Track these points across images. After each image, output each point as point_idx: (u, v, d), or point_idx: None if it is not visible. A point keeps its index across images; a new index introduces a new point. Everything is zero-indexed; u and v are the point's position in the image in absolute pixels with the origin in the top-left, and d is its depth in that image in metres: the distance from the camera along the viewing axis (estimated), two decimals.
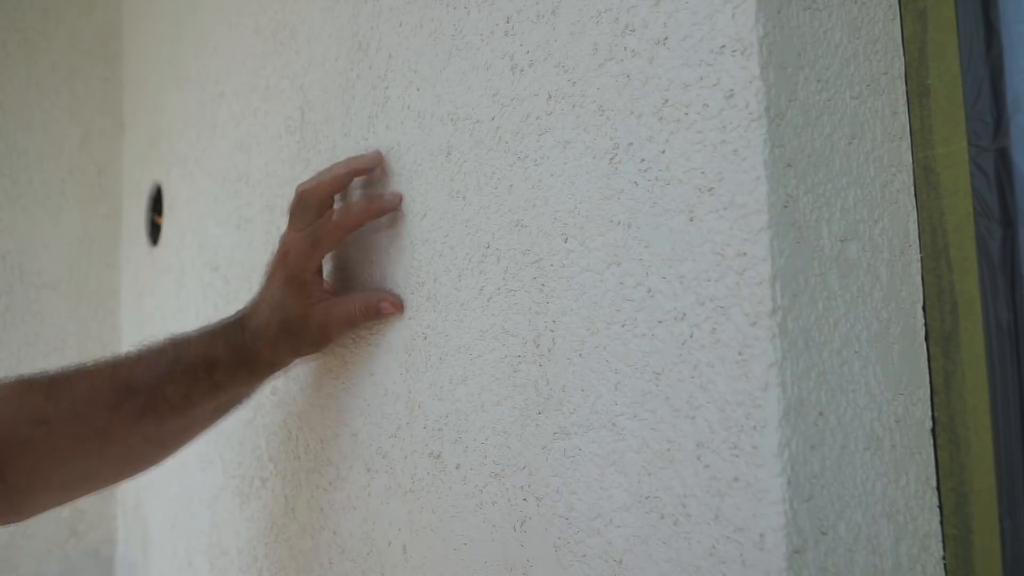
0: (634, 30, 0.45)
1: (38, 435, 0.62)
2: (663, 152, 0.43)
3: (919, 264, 0.43)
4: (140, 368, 0.65)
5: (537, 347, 0.50)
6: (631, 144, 0.44)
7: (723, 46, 0.40)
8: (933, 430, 0.42)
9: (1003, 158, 0.40)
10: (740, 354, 0.38)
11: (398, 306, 0.65)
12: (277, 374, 0.70)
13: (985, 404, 0.40)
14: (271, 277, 0.68)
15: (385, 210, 0.65)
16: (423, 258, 0.62)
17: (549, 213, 0.50)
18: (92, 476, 0.67)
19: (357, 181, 0.70)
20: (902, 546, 0.40)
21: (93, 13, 1.49)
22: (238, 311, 0.69)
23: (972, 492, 0.40)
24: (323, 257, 0.67)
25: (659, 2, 0.43)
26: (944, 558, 0.41)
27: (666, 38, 0.43)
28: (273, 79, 0.89)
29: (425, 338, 0.61)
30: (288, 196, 0.83)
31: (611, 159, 0.46)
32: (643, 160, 0.44)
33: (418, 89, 0.63)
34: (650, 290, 0.43)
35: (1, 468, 0.61)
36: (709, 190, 0.40)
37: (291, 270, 0.66)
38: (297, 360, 0.70)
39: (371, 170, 0.68)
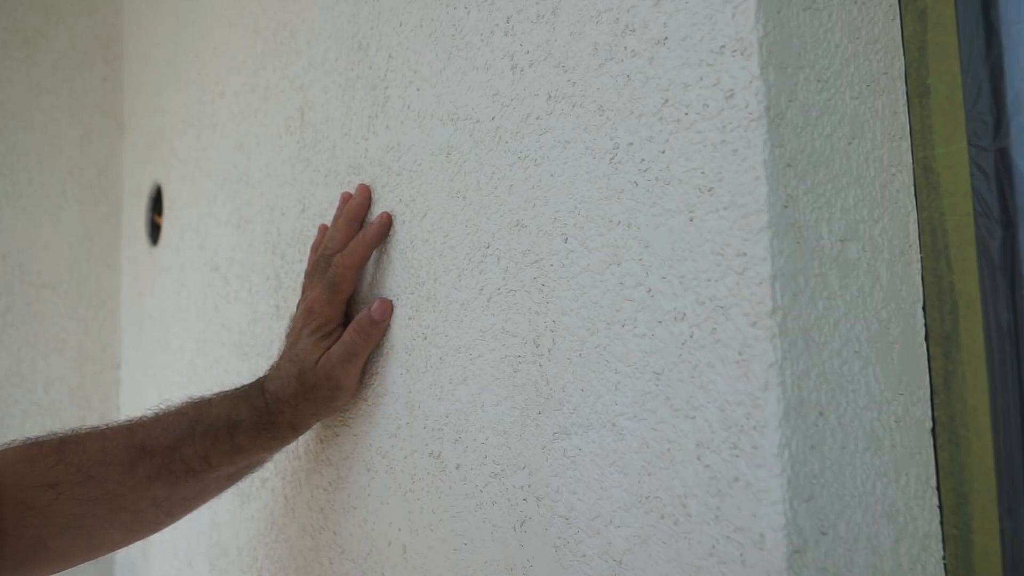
0: (634, 30, 0.45)
1: (45, 500, 0.59)
2: (663, 152, 0.43)
3: (919, 264, 0.43)
4: (157, 430, 0.63)
5: (537, 347, 0.50)
6: (631, 144, 0.44)
7: (723, 46, 0.40)
8: (933, 430, 0.42)
9: (1003, 158, 0.40)
10: (740, 354, 0.38)
11: (387, 304, 0.65)
12: (298, 436, 0.68)
13: (985, 404, 0.40)
14: (296, 334, 0.67)
15: (382, 235, 0.67)
16: (423, 258, 0.62)
17: (549, 213, 0.50)
18: (94, 545, 0.64)
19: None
20: (902, 546, 0.40)
21: (93, 13, 1.49)
22: (259, 378, 0.68)
23: (972, 492, 0.40)
24: (344, 302, 0.67)
25: (659, 2, 0.43)
26: (944, 558, 0.41)
27: (666, 38, 0.43)
28: (273, 79, 0.89)
29: (425, 338, 0.61)
30: (288, 196, 0.84)
31: (611, 159, 0.46)
32: (643, 160, 0.44)
33: (418, 89, 0.63)
34: (650, 290, 0.43)
35: (2, 536, 0.58)
36: (709, 190, 0.40)
37: (318, 321, 0.66)
38: (316, 422, 0.68)
39: (368, 206, 0.69)
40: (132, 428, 0.64)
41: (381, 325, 0.65)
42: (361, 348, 0.65)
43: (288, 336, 0.69)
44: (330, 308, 0.66)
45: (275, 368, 0.67)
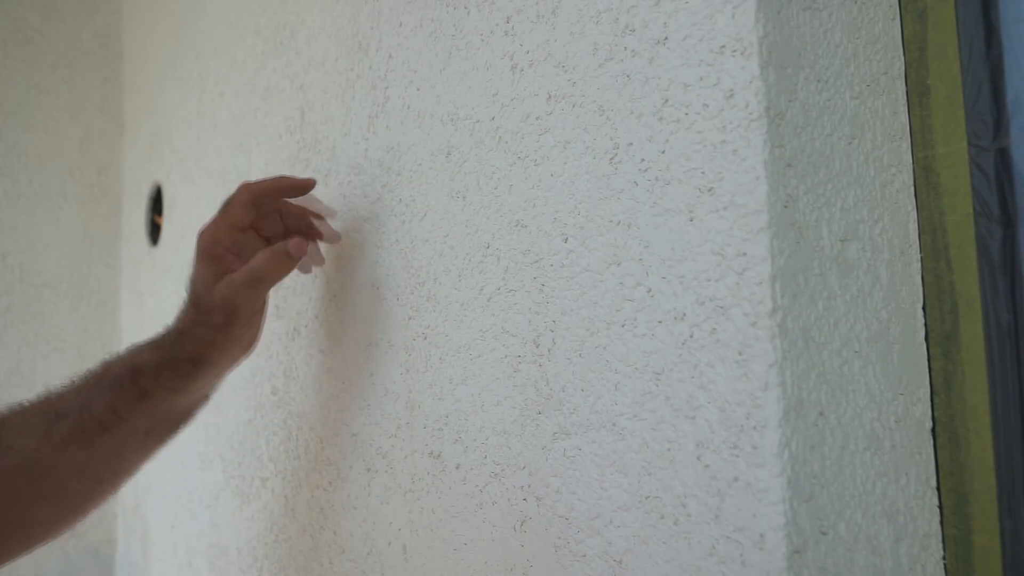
0: (634, 30, 0.45)
1: None
2: (663, 152, 0.43)
3: (919, 264, 0.43)
4: (71, 394, 0.63)
5: (537, 347, 0.50)
6: (631, 144, 0.44)
7: (723, 46, 0.40)
8: (933, 430, 0.42)
9: (1003, 158, 0.40)
10: (740, 354, 0.38)
11: (303, 246, 0.64)
12: (207, 379, 0.66)
13: (985, 404, 0.40)
14: (192, 263, 0.66)
15: (297, 187, 0.67)
16: (423, 258, 0.62)
17: (549, 213, 0.50)
18: (27, 521, 0.62)
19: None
20: (902, 546, 0.40)
21: (93, 13, 1.49)
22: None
23: (972, 492, 0.40)
24: (233, 225, 0.66)
25: (659, 2, 0.43)
26: (944, 558, 0.41)
27: (666, 38, 0.43)
28: (273, 79, 0.89)
29: (425, 338, 0.61)
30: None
31: (611, 159, 0.46)
32: (643, 160, 0.44)
33: (418, 89, 0.63)
34: (650, 290, 0.43)
35: None
36: (709, 190, 0.40)
37: (204, 243, 0.65)
38: (224, 356, 0.66)
39: (302, 189, 0.68)
40: (49, 397, 0.63)
41: (294, 260, 0.64)
42: (268, 275, 0.63)
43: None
44: (216, 229, 0.65)
45: (182, 303, 0.67)
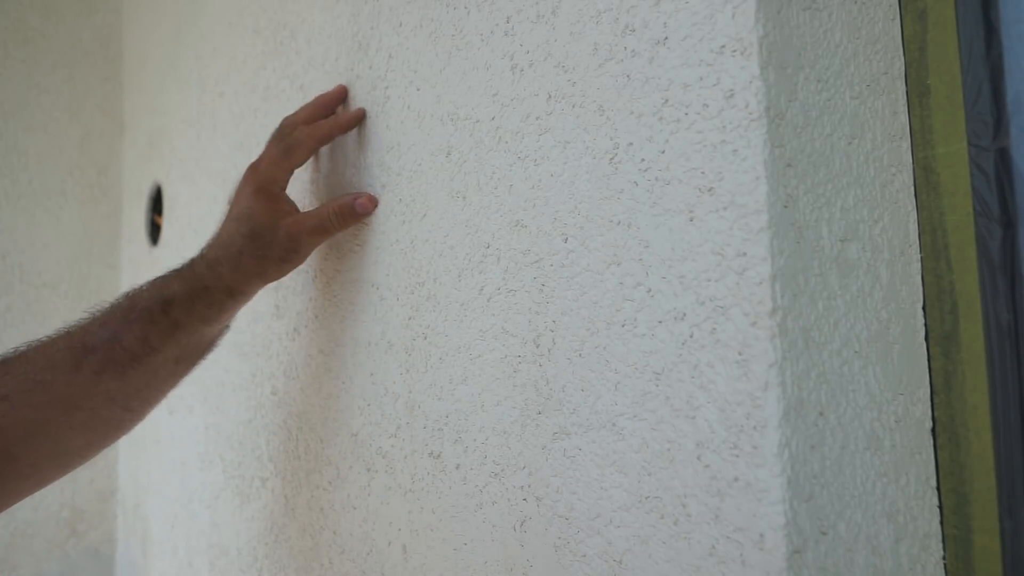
0: (634, 30, 0.45)
1: None
2: (663, 152, 0.43)
3: (919, 264, 0.43)
4: (95, 326, 0.63)
5: (537, 347, 0.50)
6: (631, 144, 0.44)
7: (723, 46, 0.40)
8: (933, 430, 0.42)
9: (1003, 158, 0.40)
10: (740, 354, 0.38)
11: (373, 201, 0.66)
12: (238, 307, 0.68)
13: (985, 404, 0.40)
14: (238, 192, 0.67)
15: (351, 124, 0.69)
16: (423, 258, 0.62)
17: (549, 213, 0.50)
18: (61, 451, 0.63)
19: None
20: (902, 546, 0.40)
21: (93, 13, 1.49)
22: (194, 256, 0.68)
23: (972, 492, 0.40)
24: (294, 168, 0.68)
25: (659, 2, 0.43)
26: (944, 558, 0.41)
27: (666, 38, 0.43)
28: (273, 79, 0.89)
29: (425, 338, 0.61)
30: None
31: (611, 159, 0.46)
32: (643, 160, 0.44)
33: (418, 89, 0.63)
34: (650, 290, 0.43)
35: None
36: (709, 190, 0.40)
37: (262, 180, 0.66)
38: (260, 286, 0.68)
39: (340, 101, 0.71)
40: (71, 331, 0.63)
41: (360, 218, 0.67)
42: (334, 228, 0.66)
43: (231, 197, 0.69)
44: (276, 170, 0.67)
45: (217, 233, 0.67)
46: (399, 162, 0.65)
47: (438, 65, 0.61)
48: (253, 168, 0.68)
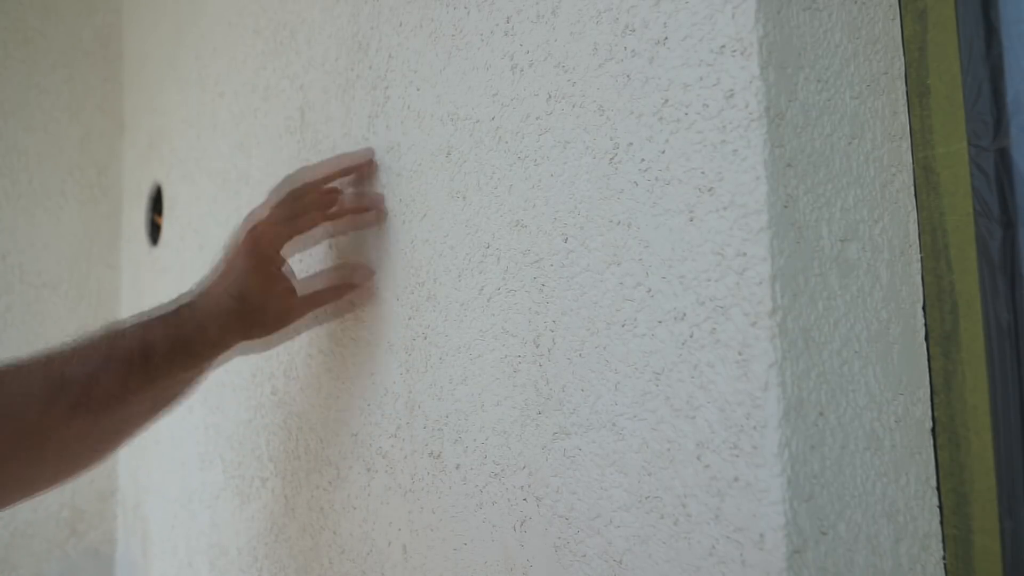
0: (634, 30, 0.45)
1: None
2: (663, 152, 0.43)
3: (919, 264, 0.43)
4: (75, 360, 0.62)
5: (537, 347, 0.50)
6: (631, 144, 0.44)
7: (723, 46, 0.40)
8: (933, 430, 0.42)
9: (1003, 158, 0.40)
10: (740, 354, 0.38)
11: (368, 275, 0.66)
12: (217, 359, 0.67)
13: (985, 404, 0.40)
14: (235, 253, 0.66)
15: (370, 225, 0.68)
16: (423, 258, 0.62)
17: (549, 213, 0.50)
18: (26, 480, 0.62)
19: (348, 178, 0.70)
20: (902, 546, 0.40)
21: (93, 13, 1.49)
22: (180, 296, 0.67)
23: (972, 492, 0.40)
24: (295, 236, 0.67)
25: (659, 2, 0.43)
26: (944, 558, 0.41)
27: (666, 38, 0.43)
28: (273, 79, 0.89)
29: (425, 338, 0.61)
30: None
31: (611, 159, 0.46)
32: (643, 160, 0.44)
33: (418, 89, 0.63)
34: (650, 290, 0.43)
35: None
36: (709, 190, 0.40)
37: (260, 244, 0.65)
38: (241, 344, 0.67)
39: (361, 168, 0.68)
40: (50, 361, 0.62)
41: (354, 289, 0.67)
42: (327, 301, 0.67)
43: (227, 252, 0.67)
44: (277, 237, 0.66)
45: (206, 285, 0.66)
46: (399, 162, 0.65)
47: (438, 65, 0.61)
48: (253, 227, 0.66)
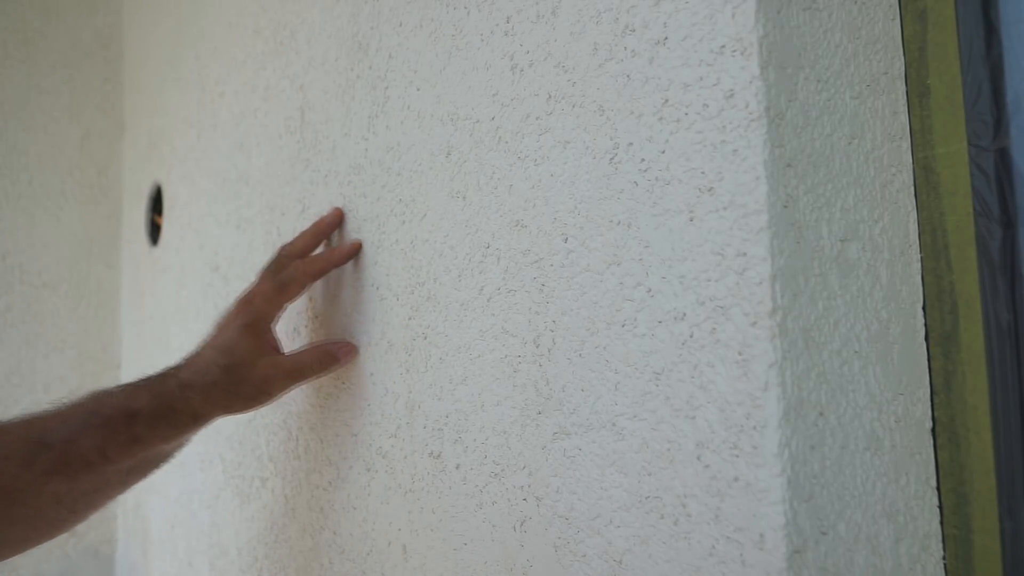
0: (634, 30, 0.45)
1: None
2: (663, 152, 0.43)
3: (919, 264, 0.43)
4: (56, 422, 0.61)
5: (537, 347, 0.50)
6: (631, 144, 0.44)
7: (723, 46, 0.40)
8: (933, 430, 0.42)
9: (1003, 158, 0.40)
10: (740, 354, 0.38)
11: (355, 351, 0.68)
12: (197, 431, 0.67)
13: (985, 404, 0.40)
14: (227, 322, 0.68)
15: (347, 257, 0.70)
16: (423, 258, 0.62)
17: (549, 213, 0.50)
18: None
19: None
20: (902, 546, 0.40)
21: (93, 13, 1.49)
22: (168, 366, 0.67)
23: (972, 492, 0.40)
24: (286, 303, 0.69)
25: (659, 2, 0.43)
26: (944, 558, 0.41)
27: (666, 38, 0.43)
28: (273, 79, 0.89)
29: (425, 338, 0.61)
30: (288, 196, 0.84)
31: (611, 159, 0.46)
32: (643, 160, 0.44)
33: (418, 89, 0.63)
34: (650, 290, 0.43)
35: None
36: (709, 190, 0.40)
37: (254, 315, 0.67)
38: (223, 416, 0.67)
39: (337, 226, 0.72)
40: (31, 421, 0.61)
41: (340, 365, 0.68)
42: (311, 374, 0.67)
43: (219, 323, 0.68)
44: (269, 305, 0.67)
45: (195, 355, 0.67)
46: (399, 162, 0.65)
47: (438, 65, 0.61)
48: (246, 302, 0.68)
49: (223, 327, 0.68)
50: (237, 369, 0.65)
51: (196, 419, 0.65)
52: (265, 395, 0.66)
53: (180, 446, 0.69)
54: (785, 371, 0.37)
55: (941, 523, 0.41)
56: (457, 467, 0.57)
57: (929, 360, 0.42)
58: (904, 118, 0.44)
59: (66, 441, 0.61)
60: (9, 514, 0.60)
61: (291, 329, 0.82)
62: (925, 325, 0.43)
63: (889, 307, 0.42)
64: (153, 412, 0.63)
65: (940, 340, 0.42)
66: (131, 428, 0.62)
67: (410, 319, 0.63)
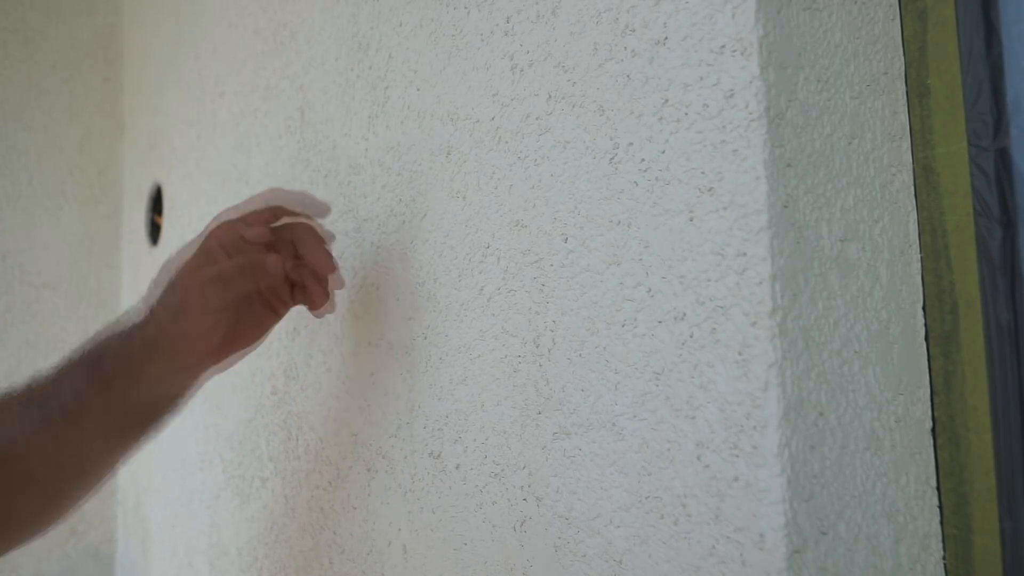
0: (634, 30, 0.45)
1: None
2: (663, 152, 0.43)
3: (919, 264, 0.43)
4: (48, 381, 0.61)
5: (537, 347, 0.50)
6: (631, 144, 0.44)
7: (723, 46, 0.40)
8: (933, 430, 0.42)
9: (1003, 158, 0.40)
10: (740, 354, 0.38)
11: (278, 264, 0.63)
12: (163, 376, 0.62)
13: (985, 404, 0.40)
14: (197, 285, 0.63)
15: (316, 207, 0.67)
16: (423, 258, 0.62)
17: (549, 213, 0.50)
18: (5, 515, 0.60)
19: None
20: (902, 546, 0.40)
21: (93, 13, 1.49)
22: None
23: (972, 492, 0.40)
24: (239, 225, 0.64)
25: (659, 2, 0.43)
26: (944, 558, 0.41)
27: (666, 38, 0.43)
28: (273, 79, 0.89)
29: (425, 338, 0.61)
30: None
31: (611, 159, 0.46)
32: (643, 160, 0.44)
33: (418, 89, 0.63)
34: (650, 290, 0.43)
35: None
36: (709, 190, 0.40)
37: (213, 240, 0.63)
38: (174, 351, 0.62)
39: (321, 211, 0.68)
40: (31, 384, 0.61)
41: (267, 275, 0.63)
42: (230, 277, 0.62)
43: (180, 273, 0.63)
44: (226, 231, 0.63)
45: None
46: (399, 162, 0.65)
47: (438, 65, 0.61)
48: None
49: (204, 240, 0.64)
50: (165, 279, 0.63)
51: (148, 348, 0.61)
52: (184, 303, 0.61)
53: (159, 403, 0.64)
54: (785, 371, 0.37)
55: (941, 523, 0.41)
56: (457, 467, 0.57)
57: (929, 360, 0.42)
58: (904, 118, 0.44)
59: (52, 396, 0.60)
60: (5, 477, 0.59)
61: (291, 329, 0.82)
62: (925, 325, 0.43)
63: (889, 307, 0.42)
64: (117, 348, 0.61)
65: (940, 340, 0.42)
66: (101, 368, 0.60)
67: (410, 319, 0.63)
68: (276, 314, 0.65)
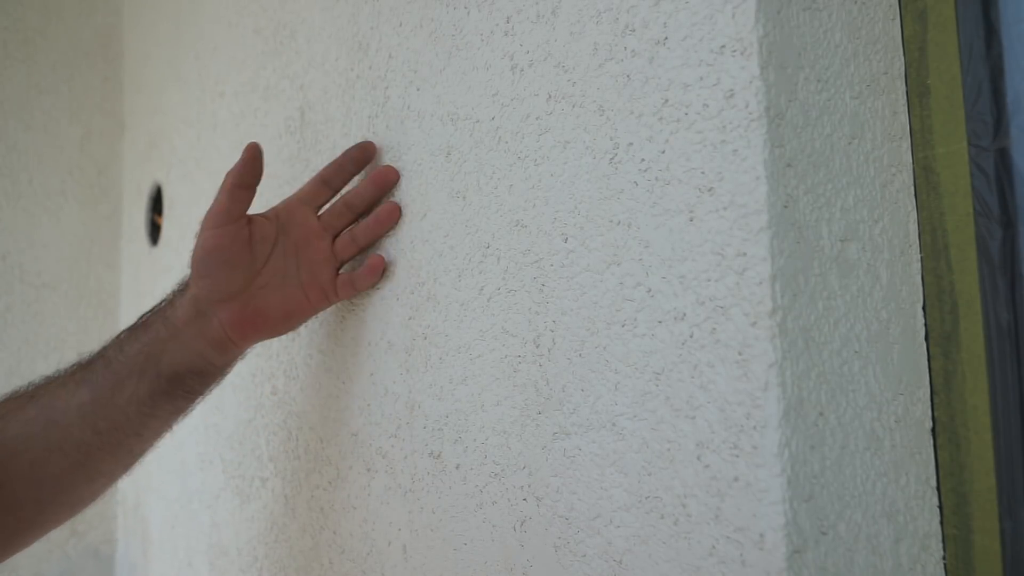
0: (634, 30, 0.45)
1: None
2: (663, 152, 0.43)
3: (919, 264, 0.43)
4: (98, 349, 0.66)
5: (537, 347, 0.50)
6: (631, 144, 0.44)
7: (723, 46, 0.40)
8: (933, 430, 0.42)
9: (1003, 158, 0.40)
10: (740, 354, 0.38)
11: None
12: (189, 331, 0.64)
13: (985, 404, 0.40)
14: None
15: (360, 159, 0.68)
16: (423, 258, 0.62)
17: (549, 213, 0.50)
18: (38, 477, 0.62)
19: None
20: (902, 546, 0.40)
21: (93, 13, 1.49)
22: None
23: (972, 492, 0.40)
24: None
25: (659, 2, 0.43)
26: (944, 558, 0.41)
27: (666, 38, 0.43)
28: (273, 79, 0.89)
29: (425, 338, 0.61)
30: (288, 196, 0.83)
31: (611, 159, 0.46)
32: (643, 160, 0.44)
33: (418, 89, 0.63)
34: (650, 290, 0.43)
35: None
36: (709, 190, 0.40)
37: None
38: (205, 313, 0.65)
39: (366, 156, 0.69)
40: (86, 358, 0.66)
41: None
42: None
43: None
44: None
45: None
46: (399, 162, 0.65)
47: (438, 65, 0.61)
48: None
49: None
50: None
51: (187, 310, 0.64)
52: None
53: (181, 365, 0.65)
54: (785, 371, 0.37)
55: (941, 523, 0.41)
56: (457, 467, 0.57)
57: (929, 360, 0.42)
58: (904, 118, 0.44)
59: (98, 355, 0.65)
60: (45, 437, 0.62)
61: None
62: (925, 325, 0.43)
63: (889, 307, 0.42)
64: (158, 311, 0.66)
65: (940, 340, 0.42)
66: (144, 328, 0.65)
67: (410, 319, 0.63)
68: (307, 299, 0.67)
